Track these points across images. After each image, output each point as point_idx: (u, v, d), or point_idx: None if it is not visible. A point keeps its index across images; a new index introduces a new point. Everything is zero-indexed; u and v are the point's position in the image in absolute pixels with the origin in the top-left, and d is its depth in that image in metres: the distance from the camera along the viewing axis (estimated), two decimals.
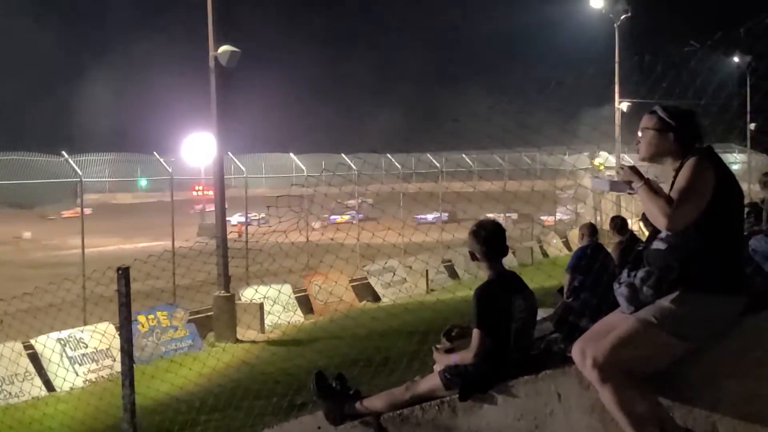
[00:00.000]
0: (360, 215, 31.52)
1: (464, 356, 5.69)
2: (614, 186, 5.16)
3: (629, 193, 4.95)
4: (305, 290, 25.64)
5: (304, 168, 29.67)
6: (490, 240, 5.84)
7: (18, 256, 51.61)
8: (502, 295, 5.69)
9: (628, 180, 4.88)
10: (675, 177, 4.74)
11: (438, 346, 6.01)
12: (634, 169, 4.90)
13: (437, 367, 5.88)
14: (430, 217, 37.95)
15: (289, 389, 8.64)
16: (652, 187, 4.75)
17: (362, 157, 29.36)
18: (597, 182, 5.59)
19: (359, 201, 32.48)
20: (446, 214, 37.39)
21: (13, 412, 15.93)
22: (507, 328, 5.65)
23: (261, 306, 22.59)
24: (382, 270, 28.15)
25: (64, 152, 22.54)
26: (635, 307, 4.78)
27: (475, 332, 5.63)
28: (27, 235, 70.22)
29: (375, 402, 5.96)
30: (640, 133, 4.96)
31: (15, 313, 14.96)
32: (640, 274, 4.78)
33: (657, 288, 4.70)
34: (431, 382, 5.83)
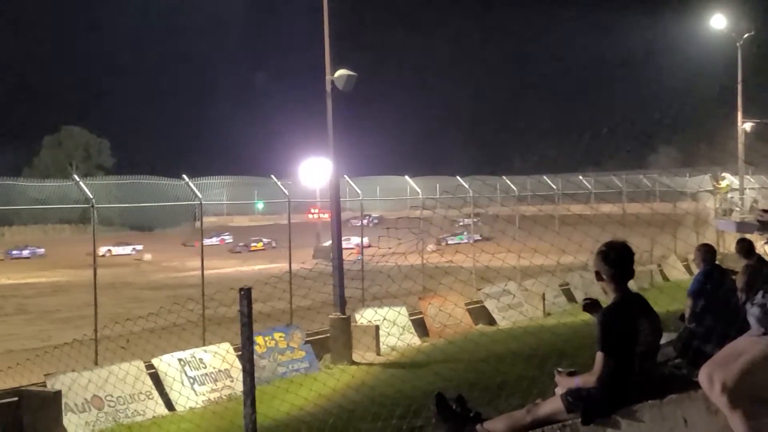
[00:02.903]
0: (473, 237, 31.42)
1: (587, 379, 5.60)
2: (741, 227, 5.07)
3: (758, 233, 4.84)
4: (421, 313, 25.62)
5: (419, 190, 29.71)
6: (618, 261, 5.74)
7: (138, 278, 53.04)
8: (628, 318, 5.58)
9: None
10: None
11: (560, 369, 5.93)
12: None
13: (559, 390, 5.81)
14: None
15: (406, 412, 8.59)
16: None
17: (479, 179, 29.29)
18: (723, 224, 5.50)
19: (473, 219, 32.39)
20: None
21: (136, 430, 16.29)
22: (631, 352, 5.54)
23: (377, 328, 22.63)
24: (498, 293, 27.94)
25: (184, 176, 22.97)
26: (765, 329, 4.64)
27: (599, 355, 5.54)
28: (147, 257, 72.23)
29: (496, 424, 5.90)
30: None
31: (139, 333, 15.32)
32: None
33: None
34: (553, 405, 5.75)
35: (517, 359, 12.41)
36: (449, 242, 68.61)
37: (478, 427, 5.96)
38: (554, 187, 33.79)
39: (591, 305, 6.04)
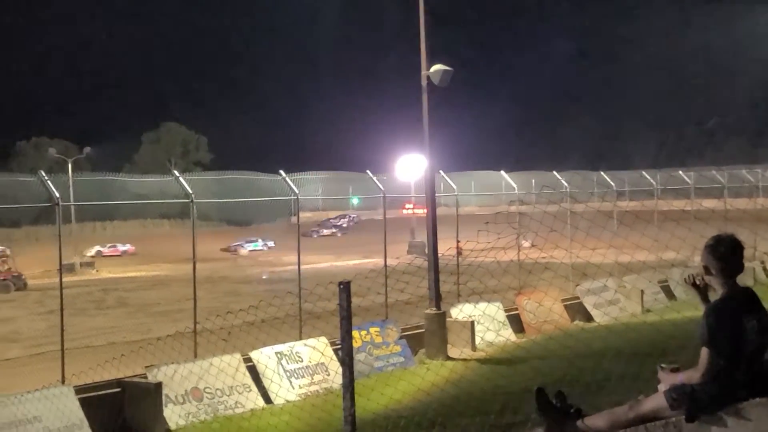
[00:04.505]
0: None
1: (691, 375, 5.51)
2: None
3: None
4: (516, 308, 25.47)
5: (515, 186, 29.50)
6: (728, 256, 5.62)
7: (234, 272, 53.86)
8: (736, 314, 5.46)
9: None
10: None
11: (663, 365, 5.83)
12: None
13: (662, 387, 5.71)
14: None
15: (504, 408, 8.56)
16: None
17: (579, 173, 28.98)
18: None
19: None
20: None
21: (232, 423, 16.53)
22: (738, 348, 5.41)
23: (472, 324, 22.56)
24: (595, 289, 27.62)
25: (281, 171, 23.14)
26: None
27: (704, 351, 5.44)
28: (244, 251, 73.30)
29: (597, 420, 5.84)
30: None
31: (240, 326, 15.53)
32: None
33: None
34: (656, 401, 5.66)
35: (618, 356, 12.22)
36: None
37: (578, 422, 5.90)
38: (653, 182, 33.25)
39: (697, 285, 5.90)
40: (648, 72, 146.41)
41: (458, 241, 19.97)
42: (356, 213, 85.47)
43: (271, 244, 74.11)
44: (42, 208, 21.05)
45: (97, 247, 75.68)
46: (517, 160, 75.78)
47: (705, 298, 5.78)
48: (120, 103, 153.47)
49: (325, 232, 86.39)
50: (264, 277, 35.27)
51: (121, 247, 78.25)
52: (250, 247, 76.22)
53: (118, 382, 16.98)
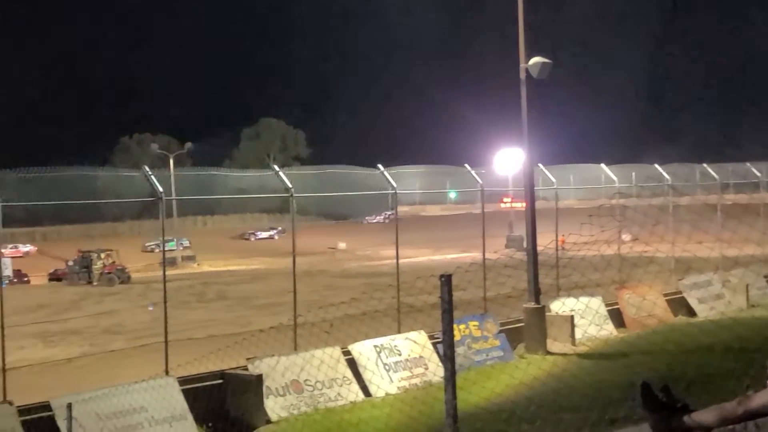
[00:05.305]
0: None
1: None
2: None
3: None
4: (616, 303, 25.11)
5: (615, 179, 29.06)
6: None
7: (333, 266, 54.29)
8: None
9: None
10: None
11: None
12: None
13: None
14: None
15: (608, 402, 8.44)
16: None
17: (685, 165, 28.42)
18: None
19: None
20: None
21: (332, 415, 16.63)
22: None
23: (572, 318, 22.32)
24: (700, 283, 27.06)
25: (380, 165, 23.14)
26: None
27: None
28: (342, 245, 73.88)
29: (705, 416, 5.70)
30: None
31: (341, 319, 15.61)
32: None
33: None
34: (765, 396, 5.50)
35: (726, 351, 11.97)
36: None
37: (685, 418, 5.77)
38: (758, 174, 32.42)
39: None
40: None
41: (562, 235, 19.78)
42: (282, 226, 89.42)
43: (185, 243, 75.08)
44: (144, 203, 21.46)
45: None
46: (618, 153, 74.55)
47: None
48: (220, 99, 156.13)
49: (263, 234, 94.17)
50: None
51: (23, 248, 77.41)
52: (167, 247, 77.04)
53: (220, 374, 17.23)
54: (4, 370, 15.35)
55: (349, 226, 79.49)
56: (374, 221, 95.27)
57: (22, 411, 14.65)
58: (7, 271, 49.86)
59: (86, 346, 28.02)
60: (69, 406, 11.58)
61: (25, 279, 58.23)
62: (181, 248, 72.98)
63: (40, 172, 18.11)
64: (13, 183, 17.75)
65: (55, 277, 58.83)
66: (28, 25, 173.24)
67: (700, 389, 8.58)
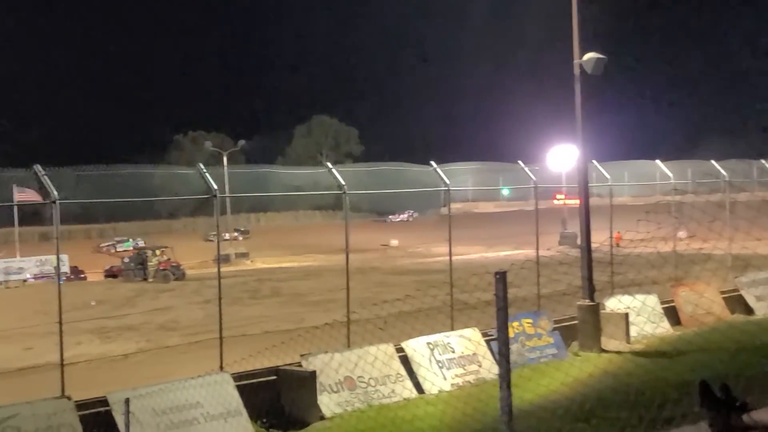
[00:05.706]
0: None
1: None
2: None
3: None
4: (672, 300, 24.83)
5: (670, 175, 28.71)
6: None
7: (385, 263, 54.33)
8: None
9: None
10: None
11: None
12: None
13: None
14: None
15: (665, 401, 8.35)
16: None
17: (742, 161, 28.01)
18: None
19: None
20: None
21: (386, 412, 16.63)
22: None
23: (626, 315, 22.12)
24: (759, 281, 26.68)
25: (432, 162, 23.06)
26: None
27: None
28: (394, 242, 73.97)
29: (764, 415, 5.65)
30: None
31: (396, 316, 15.60)
32: None
33: None
34: None
35: None
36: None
37: (744, 417, 5.72)
38: None
39: None
40: None
41: (617, 232, 19.62)
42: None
43: (140, 242, 76.64)
44: (199, 200, 21.58)
45: None
46: (674, 149, 73.67)
47: None
48: (273, 97, 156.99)
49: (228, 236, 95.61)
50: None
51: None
52: (122, 247, 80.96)
53: (275, 370, 17.30)
54: (62, 365, 15.53)
55: (398, 225, 79.49)
56: (397, 220, 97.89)
57: (80, 406, 14.79)
58: (64, 268, 50.66)
59: (142, 342, 28.29)
60: (126, 401, 11.69)
61: (82, 275, 59.12)
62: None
63: (96, 170, 18.30)
64: (70, 181, 17.97)
65: (111, 273, 59.57)
66: (85, 27, 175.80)
67: (760, 388, 8.44)
